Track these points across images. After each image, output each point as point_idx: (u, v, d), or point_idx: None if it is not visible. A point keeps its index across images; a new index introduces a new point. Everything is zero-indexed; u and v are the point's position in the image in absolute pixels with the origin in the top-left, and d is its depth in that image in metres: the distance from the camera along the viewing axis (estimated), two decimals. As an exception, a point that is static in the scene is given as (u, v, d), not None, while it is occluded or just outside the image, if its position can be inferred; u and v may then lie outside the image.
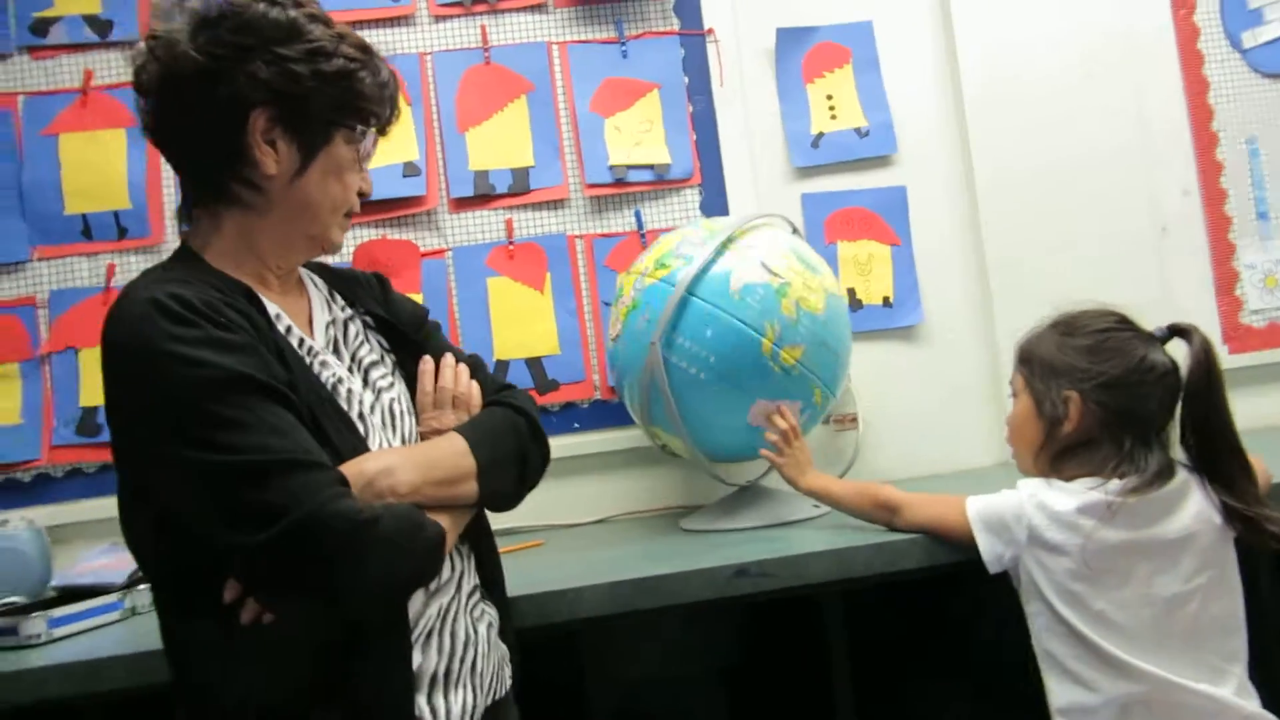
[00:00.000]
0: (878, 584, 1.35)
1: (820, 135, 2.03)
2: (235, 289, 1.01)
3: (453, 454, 1.06)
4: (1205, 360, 1.21)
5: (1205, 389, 1.21)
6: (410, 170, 1.93)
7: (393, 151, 1.89)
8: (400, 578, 0.95)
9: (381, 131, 1.13)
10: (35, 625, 1.34)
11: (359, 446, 1.01)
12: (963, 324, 2.05)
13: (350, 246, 1.91)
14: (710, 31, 2.00)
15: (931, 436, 2.01)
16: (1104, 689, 1.18)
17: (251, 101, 1.00)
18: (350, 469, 0.95)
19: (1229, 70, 2.11)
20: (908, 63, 2.06)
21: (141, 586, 1.54)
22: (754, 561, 1.31)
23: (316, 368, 1.05)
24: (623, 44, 1.98)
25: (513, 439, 1.15)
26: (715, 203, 1.99)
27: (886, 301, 2.03)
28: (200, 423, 0.88)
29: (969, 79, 2.03)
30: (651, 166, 1.97)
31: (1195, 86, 2.10)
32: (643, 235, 1.97)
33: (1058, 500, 1.22)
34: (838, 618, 1.36)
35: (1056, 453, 1.27)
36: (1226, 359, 1.83)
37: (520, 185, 1.96)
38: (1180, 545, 1.20)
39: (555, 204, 1.97)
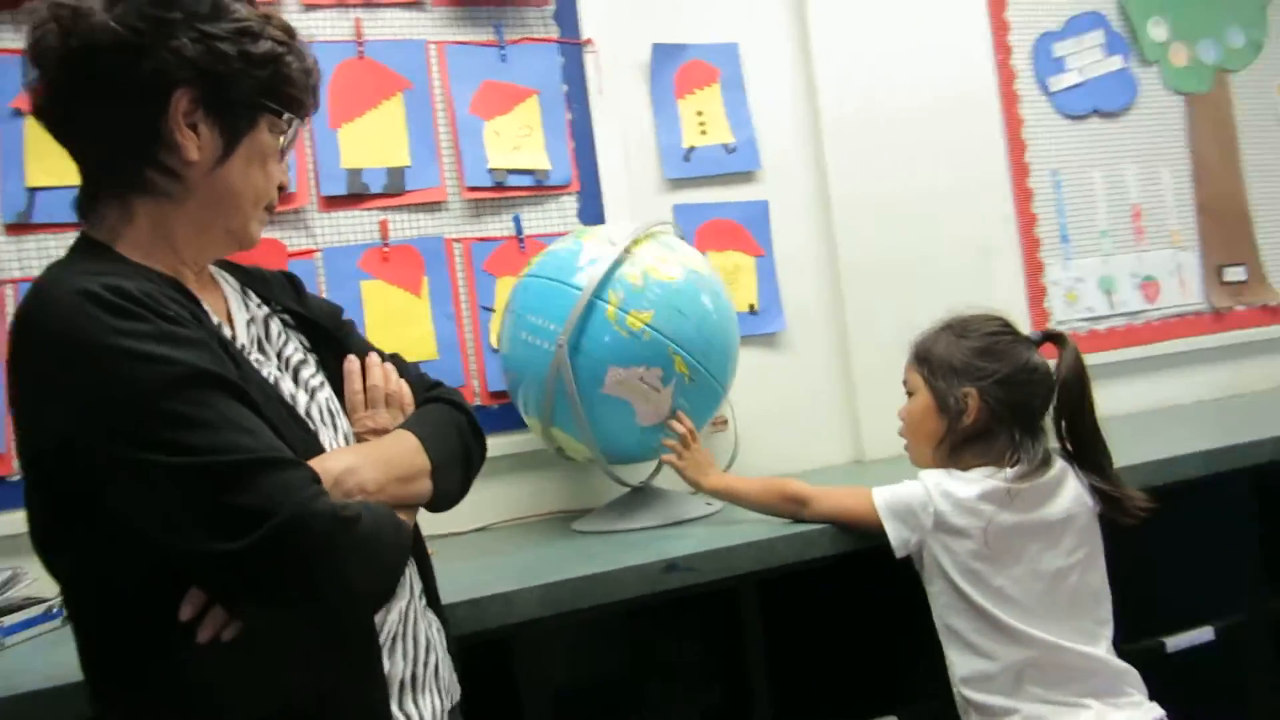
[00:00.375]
0: (786, 573, 1.42)
1: (692, 149, 2.11)
2: (164, 282, 0.94)
3: (408, 451, 1.03)
4: (1077, 363, 1.38)
5: (1078, 387, 1.37)
6: (278, 165, 1.82)
7: (260, 145, 1.78)
8: (384, 578, 0.91)
9: (303, 121, 1.08)
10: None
11: (312, 445, 0.96)
12: (818, 331, 2.18)
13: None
14: (589, 41, 2.02)
15: (792, 437, 2.13)
16: (1001, 656, 1.31)
17: (175, 80, 0.92)
18: (314, 467, 0.90)
19: (1038, 110, 2.40)
20: (770, 85, 2.17)
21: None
22: (680, 556, 1.35)
23: (254, 365, 0.99)
24: (502, 48, 1.97)
25: (457, 437, 1.14)
26: (592, 210, 2.02)
27: (752, 309, 2.12)
28: (162, 423, 0.81)
29: (826, 104, 2.17)
30: (531, 172, 1.97)
31: (1012, 124, 2.37)
32: (521, 240, 1.97)
33: (960, 489, 1.34)
34: (753, 608, 1.42)
35: (955, 445, 1.39)
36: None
37: (395, 185, 1.90)
38: (1062, 525, 1.35)
39: (432, 206, 1.92)
